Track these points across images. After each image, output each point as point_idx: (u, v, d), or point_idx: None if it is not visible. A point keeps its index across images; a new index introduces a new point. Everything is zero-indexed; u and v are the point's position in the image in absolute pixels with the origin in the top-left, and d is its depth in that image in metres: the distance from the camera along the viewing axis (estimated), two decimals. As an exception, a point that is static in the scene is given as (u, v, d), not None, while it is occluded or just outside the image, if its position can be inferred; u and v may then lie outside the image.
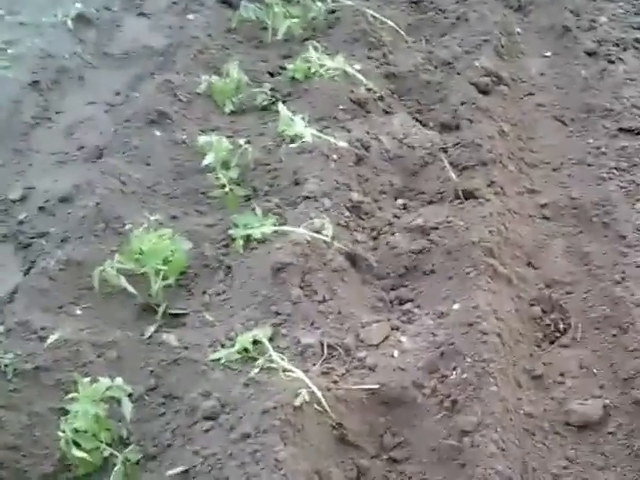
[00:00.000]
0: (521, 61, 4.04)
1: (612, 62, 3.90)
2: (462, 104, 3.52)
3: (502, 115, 3.49)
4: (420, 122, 3.53)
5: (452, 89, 3.65)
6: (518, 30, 4.28)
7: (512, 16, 4.40)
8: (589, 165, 3.24)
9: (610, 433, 2.22)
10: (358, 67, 3.75)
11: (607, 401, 2.28)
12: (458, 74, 3.76)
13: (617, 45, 4.06)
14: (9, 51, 4.21)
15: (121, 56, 4.25)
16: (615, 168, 3.19)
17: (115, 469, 2.05)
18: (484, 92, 3.62)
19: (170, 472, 2.05)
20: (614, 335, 2.48)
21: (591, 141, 3.37)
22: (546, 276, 2.76)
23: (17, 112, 3.72)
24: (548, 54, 4.09)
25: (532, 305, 2.63)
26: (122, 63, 4.19)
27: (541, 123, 3.57)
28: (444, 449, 2.12)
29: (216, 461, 2.00)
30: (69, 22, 4.46)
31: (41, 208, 3.14)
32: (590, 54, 3.98)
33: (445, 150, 3.28)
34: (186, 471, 2.03)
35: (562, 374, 2.40)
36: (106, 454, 2.09)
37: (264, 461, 1.95)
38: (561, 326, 2.56)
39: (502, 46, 4.02)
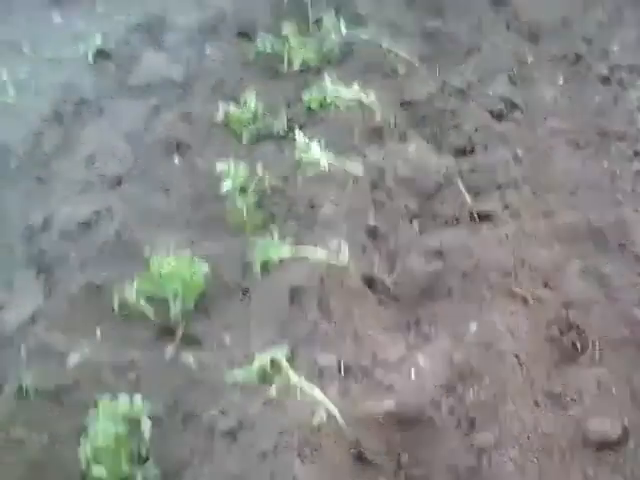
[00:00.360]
0: (534, 88, 4.08)
1: (625, 88, 3.93)
2: (476, 130, 3.56)
3: (516, 140, 3.52)
4: (435, 148, 3.58)
5: (466, 116, 3.69)
6: (530, 59, 4.34)
7: (525, 45, 4.46)
8: (604, 189, 3.25)
9: (629, 452, 2.19)
10: (373, 96, 3.81)
11: (626, 420, 2.26)
12: (472, 101, 3.81)
13: (630, 72, 4.09)
14: (32, 85, 4.33)
15: (140, 87, 4.35)
16: (631, 191, 3.19)
17: (135, 487, 2.06)
18: (498, 118, 3.66)
19: (189, 490, 2.06)
20: (632, 356, 2.47)
21: (606, 165, 3.39)
22: (563, 297, 2.75)
23: (39, 142, 3.82)
24: (561, 82, 4.13)
25: (550, 326, 2.63)
26: (141, 94, 4.28)
27: (555, 148, 3.59)
28: (462, 468, 2.11)
29: None
30: (90, 56, 4.58)
31: (62, 234, 3.20)
32: (603, 81, 4.02)
33: (460, 174, 3.31)
34: (205, 489, 2.04)
35: (580, 393, 2.38)
36: (125, 473, 2.10)
37: None
38: (579, 346, 2.55)
39: (515, 74, 4.07)
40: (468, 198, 3.12)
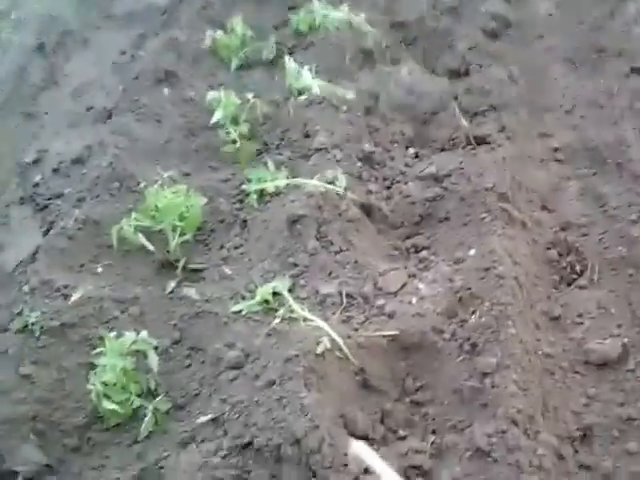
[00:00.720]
0: (528, 3, 3.98)
1: (622, 0, 3.83)
2: (470, 50, 3.49)
3: (511, 59, 3.45)
4: (428, 70, 3.51)
5: (459, 35, 3.61)
6: (525, -28, 4.21)
7: (518, -42, 4.32)
8: (601, 107, 3.21)
9: (629, 370, 2.24)
10: (363, 16, 3.71)
11: (625, 339, 2.30)
12: (465, 20, 3.71)
13: (627, -18, 3.99)
14: (12, 16, 4.19)
15: (124, 16, 4.22)
16: (628, 108, 3.15)
17: (146, 419, 2.10)
18: (492, 36, 3.58)
19: (199, 420, 2.09)
20: (631, 275, 2.49)
21: (602, 82, 3.34)
22: (561, 219, 2.76)
23: (24, 76, 3.72)
24: (556, -5, 4.02)
25: (548, 248, 2.64)
26: (126, 23, 4.16)
27: (551, 66, 3.53)
28: (465, 391, 2.15)
29: (243, 408, 2.04)
30: (71, -17, 4.42)
31: (55, 170, 3.16)
32: (598, -7, 3.92)
33: (455, 97, 3.26)
34: (215, 419, 2.08)
35: (580, 315, 2.42)
36: (136, 405, 2.14)
37: (290, 407, 1.99)
38: (578, 268, 2.57)
39: (509, -11, 3.96)
40: (464, 121, 3.08)
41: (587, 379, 2.25)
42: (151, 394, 2.20)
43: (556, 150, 3.06)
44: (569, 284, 2.54)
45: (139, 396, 2.16)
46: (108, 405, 2.11)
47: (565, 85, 3.40)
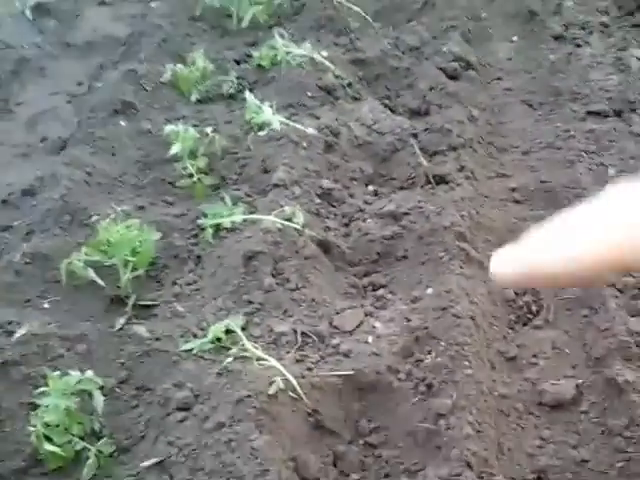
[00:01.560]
0: (489, 46, 4.05)
1: (579, 46, 3.92)
2: (431, 89, 3.51)
3: (471, 100, 3.49)
4: (389, 108, 3.52)
5: (420, 75, 3.64)
6: (484, 15, 4.29)
7: (478, 1, 4.41)
8: (558, 148, 3.25)
9: (583, 412, 2.22)
10: (325, 54, 3.73)
11: (580, 380, 2.29)
12: (426, 59, 3.76)
13: (583, 29, 4.09)
14: (-34, 42, 4.12)
15: (83, 46, 4.18)
16: (584, 151, 3.20)
17: (88, 462, 2.01)
18: (452, 77, 3.62)
19: (144, 464, 2.01)
20: (585, 315, 2.49)
21: (560, 125, 3.38)
22: (518, 259, 2.76)
23: (-24, 104, 3.65)
24: (515, 38, 4.10)
25: (505, 288, 2.64)
26: (84, 53, 4.11)
27: (510, 107, 3.58)
28: (420, 433, 2.11)
29: (191, 451, 1.97)
30: (27, 12, 4.37)
31: (4, 201, 3.07)
32: (557, 38, 4.00)
33: (415, 135, 3.27)
34: (161, 462, 1.99)
35: (535, 355, 2.41)
36: (78, 447, 2.05)
37: (240, 450, 1.93)
38: (534, 308, 2.56)
39: (469, 31, 4.02)
40: (423, 160, 3.09)
41: (541, 420, 2.22)
42: (95, 436, 2.10)
43: (514, 190, 3.08)
44: (525, 324, 2.53)
45: (82, 438, 2.07)
46: (49, 447, 2.01)
47: (523, 127, 3.44)
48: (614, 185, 0.71)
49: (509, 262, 0.73)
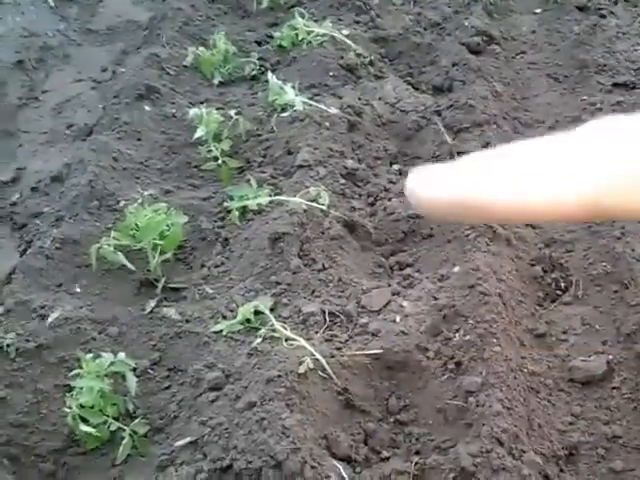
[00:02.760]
0: (511, 19, 3.99)
1: (603, 16, 3.85)
2: (454, 65, 3.48)
3: (495, 75, 3.45)
4: (412, 85, 3.50)
5: (443, 50, 3.61)
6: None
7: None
8: (584, 122, 3.20)
9: (614, 388, 2.22)
10: (346, 32, 3.70)
11: (610, 356, 2.28)
12: (448, 35, 3.72)
13: (608, -1, 4.02)
14: (-9, 31, 4.15)
15: (105, 32, 4.19)
16: (611, 124, 3.16)
17: (123, 442, 2.05)
18: (475, 52, 3.58)
19: (178, 443, 2.05)
20: (615, 291, 2.48)
21: (586, 97, 3.34)
22: (545, 235, 2.75)
23: (3, 93, 3.68)
24: (538, 10, 4.04)
25: (532, 265, 2.63)
26: (107, 39, 4.13)
27: (534, 81, 3.54)
28: (450, 410, 2.12)
29: (223, 430, 2.00)
30: (50, -1, 4.40)
31: (34, 188, 3.12)
32: (581, 9, 3.93)
33: (439, 113, 3.25)
34: (194, 441, 2.03)
35: (565, 332, 2.40)
36: (113, 428, 2.09)
37: (271, 428, 1.95)
38: (562, 284, 2.55)
39: (491, 4, 3.97)
40: (448, 137, 3.07)
41: (572, 397, 2.22)
42: (129, 417, 2.15)
43: (540, 166, 3.04)
44: (553, 301, 2.52)
45: (116, 419, 2.11)
46: (85, 428, 2.06)
47: (548, 101, 3.40)
48: (595, 119, 0.58)
49: (442, 184, 0.56)
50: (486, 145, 3.01)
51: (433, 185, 0.57)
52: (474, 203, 0.56)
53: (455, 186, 0.57)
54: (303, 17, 3.77)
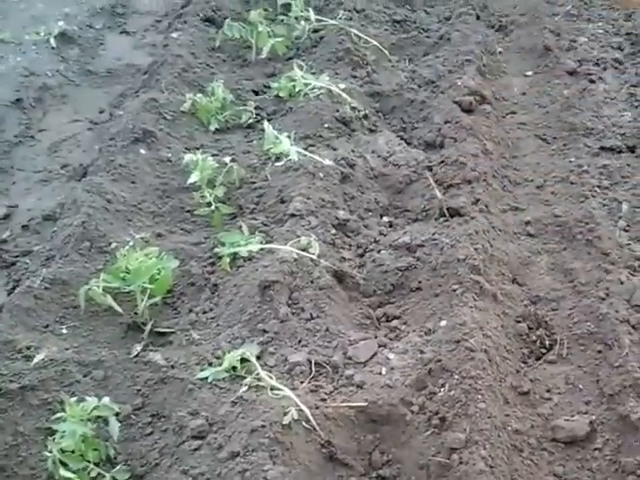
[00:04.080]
0: (503, 80, 4.09)
1: (592, 82, 3.96)
2: (446, 123, 3.55)
3: (485, 133, 3.52)
4: (405, 140, 3.56)
5: (436, 108, 3.68)
6: (500, 49, 4.35)
7: (494, 36, 4.47)
8: (572, 183, 3.28)
9: (597, 449, 2.22)
10: (342, 86, 3.78)
11: (593, 417, 2.29)
12: (442, 93, 3.80)
13: (597, 65, 4.13)
14: (-8, 69, 4.20)
15: (105, 74, 4.26)
16: (597, 186, 3.22)
17: (103, 490, 2.03)
18: (467, 111, 3.66)
19: (158, 492, 2.03)
20: (599, 351, 2.50)
21: (573, 159, 3.41)
22: (531, 293, 2.78)
23: (0, 130, 3.71)
24: (530, 73, 4.14)
25: (518, 322, 2.65)
26: (106, 81, 4.20)
27: (524, 141, 3.61)
28: (433, 466, 2.12)
29: (205, 481, 1.99)
30: (52, 40, 4.46)
31: (25, 226, 3.13)
32: (571, 73, 4.04)
33: (430, 168, 3.31)
34: (175, 491, 2.01)
35: (549, 390, 2.41)
36: (94, 474, 2.07)
37: (254, 480, 1.94)
38: (547, 342, 2.57)
39: (484, 65, 4.07)
40: (438, 192, 3.12)
41: (555, 457, 2.23)
42: (110, 463, 2.13)
43: (527, 224, 3.10)
44: (538, 358, 2.54)
45: (97, 464, 2.09)
46: (65, 473, 2.03)
47: (537, 161, 3.47)
48: None
49: None
50: (475, 202, 3.07)
51: None
52: None
53: None
54: (301, 69, 3.85)
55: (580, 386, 2.41)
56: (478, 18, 4.63)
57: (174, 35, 4.48)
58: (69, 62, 4.35)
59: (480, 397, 2.22)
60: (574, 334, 2.58)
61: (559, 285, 2.80)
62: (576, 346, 2.56)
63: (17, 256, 2.97)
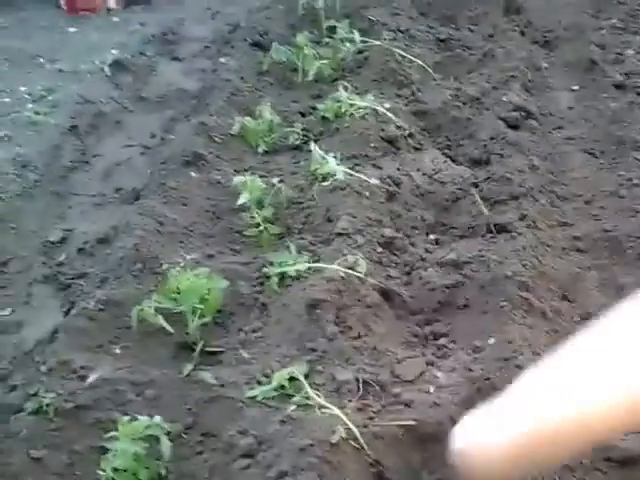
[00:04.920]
0: (549, 95, 4.07)
1: (641, 94, 3.91)
2: (491, 139, 3.55)
3: (532, 149, 3.51)
4: (450, 158, 3.57)
5: (481, 125, 3.68)
6: (545, 65, 4.32)
7: (538, 51, 4.45)
8: (621, 197, 3.23)
9: (653, 468, 2.18)
10: (388, 105, 3.81)
11: (648, 436, 2.24)
12: (487, 109, 3.80)
13: (645, 77, 4.08)
14: (49, 98, 4.37)
15: (156, 100, 4.39)
16: (648, 200, 3.18)
17: (155, 507, 2.07)
18: (513, 127, 3.65)
19: (209, 510, 2.06)
20: None
21: (623, 173, 3.37)
22: (581, 309, 2.74)
23: (57, 156, 3.86)
24: (576, 87, 4.11)
25: (568, 339, 2.61)
26: (157, 106, 4.32)
27: (571, 156, 3.58)
28: (482, 486, 2.10)
29: (254, 499, 2.01)
30: (106, 68, 4.62)
31: (80, 249, 3.23)
32: (618, 87, 4.00)
33: (476, 185, 3.30)
34: (225, 509, 2.04)
35: (601, 409, 2.37)
36: (146, 492, 2.11)
37: (302, 499, 1.95)
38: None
39: (530, 81, 4.06)
40: (484, 209, 3.11)
41: (608, 476, 2.18)
42: (162, 480, 2.17)
43: (576, 239, 3.06)
44: (589, 377, 2.49)
45: (150, 482, 2.13)
46: (118, 491, 2.09)
47: (585, 175, 3.43)
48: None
49: (489, 429, 0.47)
50: (522, 217, 3.05)
51: (489, 428, 0.51)
52: (541, 432, 0.52)
53: (516, 419, 0.53)
54: (346, 90, 3.90)
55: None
56: (522, 34, 4.62)
57: (222, 60, 4.59)
58: (122, 89, 4.50)
59: (530, 416, 2.20)
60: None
61: (610, 301, 2.74)
62: (629, 363, 2.51)
63: (73, 278, 3.07)
